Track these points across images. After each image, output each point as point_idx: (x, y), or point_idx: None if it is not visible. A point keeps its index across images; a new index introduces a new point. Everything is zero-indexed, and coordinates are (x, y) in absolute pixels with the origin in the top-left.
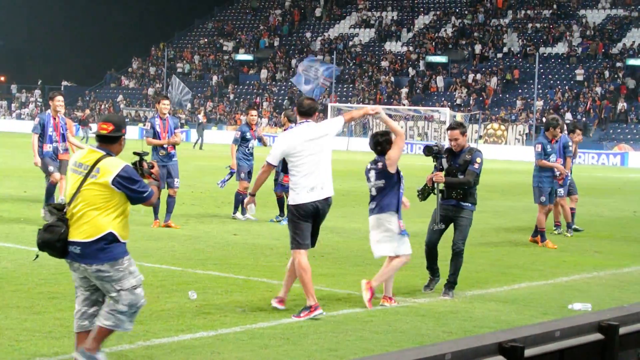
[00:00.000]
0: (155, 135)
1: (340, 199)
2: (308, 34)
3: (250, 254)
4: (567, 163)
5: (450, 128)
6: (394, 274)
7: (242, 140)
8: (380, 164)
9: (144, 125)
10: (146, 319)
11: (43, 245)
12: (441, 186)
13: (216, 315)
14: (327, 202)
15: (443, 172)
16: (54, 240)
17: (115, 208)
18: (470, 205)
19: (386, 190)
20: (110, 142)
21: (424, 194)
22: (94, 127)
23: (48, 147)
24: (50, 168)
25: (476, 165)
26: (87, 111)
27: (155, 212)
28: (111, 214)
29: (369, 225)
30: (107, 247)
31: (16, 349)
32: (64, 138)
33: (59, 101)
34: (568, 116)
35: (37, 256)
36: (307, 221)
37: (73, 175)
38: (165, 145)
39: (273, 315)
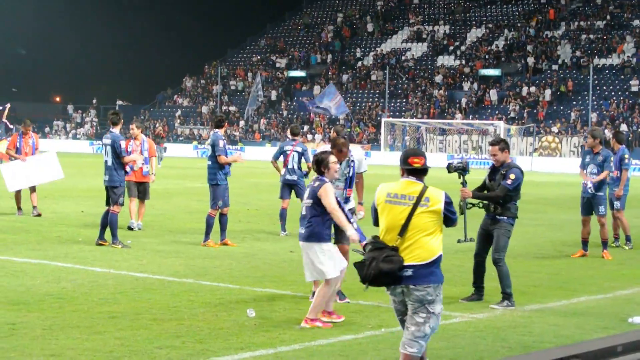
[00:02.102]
0: (226, 154)
1: None
2: (361, 50)
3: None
4: (623, 176)
5: (490, 144)
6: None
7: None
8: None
9: (199, 143)
10: (205, 338)
11: (381, 275)
12: (474, 201)
13: (275, 332)
14: None
15: (471, 188)
16: (396, 270)
17: (440, 231)
18: (506, 218)
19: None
20: (423, 173)
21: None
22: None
23: (127, 168)
24: (121, 199)
25: (509, 181)
26: (160, 128)
27: (207, 232)
28: (438, 237)
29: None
30: (436, 270)
31: None
32: (145, 161)
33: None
34: (623, 127)
35: (367, 288)
36: None
37: (394, 207)
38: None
39: (332, 332)
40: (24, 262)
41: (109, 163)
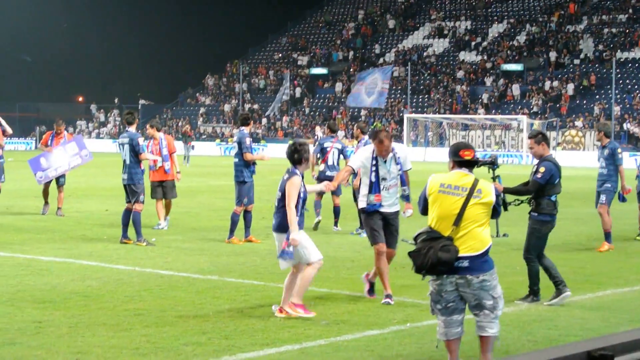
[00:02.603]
0: (252, 151)
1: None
2: (382, 46)
3: (332, 267)
4: None
5: (528, 137)
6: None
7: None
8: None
9: (221, 141)
10: (231, 334)
11: (438, 264)
12: (509, 198)
13: (300, 328)
14: None
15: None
16: (453, 259)
17: (488, 222)
18: (536, 214)
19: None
20: (473, 165)
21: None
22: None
23: (143, 166)
24: (142, 197)
25: (539, 175)
26: (188, 126)
27: (232, 230)
28: (487, 228)
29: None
30: (487, 258)
31: None
32: (165, 158)
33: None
34: None
35: (424, 277)
36: None
37: (447, 197)
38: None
39: (357, 327)
40: (50, 260)
41: (128, 162)
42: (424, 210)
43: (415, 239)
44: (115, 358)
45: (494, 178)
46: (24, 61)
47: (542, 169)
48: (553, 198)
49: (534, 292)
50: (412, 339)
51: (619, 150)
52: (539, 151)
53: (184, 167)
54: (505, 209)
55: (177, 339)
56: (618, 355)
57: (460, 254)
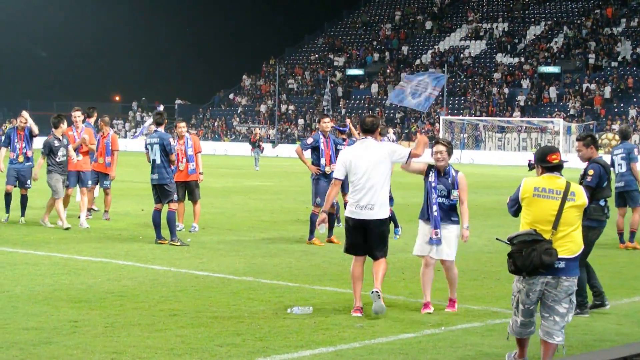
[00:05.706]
0: (320, 152)
1: None
2: (418, 48)
3: (366, 269)
4: None
5: (576, 139)
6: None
7: None
8: None
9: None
10: (265, 335)
11: (542, 266)
12: None
13: (334, 331)
14: (374, 222)
15: None
16: (554, 262)
17: (580, 225)
18: (586, 222)
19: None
20: (561, 168)
21: None
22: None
23: (173, 166)
24: (175, 196)
25: (588, 178)
26: (257, 130)
27: (312, 230)
28: (579, 231)
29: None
30: (577, 262)
31: None
32: (190, 159)
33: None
34: None
35: (524, 277)
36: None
37: (543, 201)
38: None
39: (391, 330)
40: (86, 260)
41: (158, 161)
42: (515, 213)
43: (511, 240)
44: (150, 358)
45: None
46: (41, 57)
47: (590, 172)
48: (602, 202)
49: (578, 304)
50: (447, 342)
51: (636, 150)
52: (586, 154)
53: (255, 170)
54: None
55: (211, 340)
56: None
57: (560, 256)
